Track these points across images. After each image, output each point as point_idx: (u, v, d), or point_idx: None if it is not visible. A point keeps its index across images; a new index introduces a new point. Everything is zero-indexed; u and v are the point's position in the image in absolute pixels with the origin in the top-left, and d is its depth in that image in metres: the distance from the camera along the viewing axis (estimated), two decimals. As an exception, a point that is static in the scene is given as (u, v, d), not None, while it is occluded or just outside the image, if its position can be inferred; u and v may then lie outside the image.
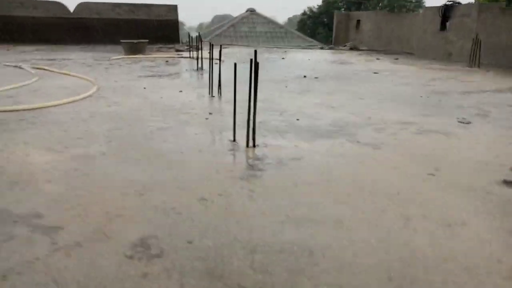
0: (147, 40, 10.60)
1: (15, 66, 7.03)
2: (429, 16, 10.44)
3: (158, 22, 14.31)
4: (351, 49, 13.57)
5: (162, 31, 14.53)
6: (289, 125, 3.33)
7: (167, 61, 8.69)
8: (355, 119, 3.58)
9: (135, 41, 10.14)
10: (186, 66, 7.93)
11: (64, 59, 8.63)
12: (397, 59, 10.17)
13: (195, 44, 13.57)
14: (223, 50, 12.58)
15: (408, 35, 11.79)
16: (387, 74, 7.05)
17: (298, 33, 16.98)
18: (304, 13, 50.76)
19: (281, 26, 16.40)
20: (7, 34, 13.12)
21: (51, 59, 8.46)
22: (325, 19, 46.08)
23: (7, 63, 7.33)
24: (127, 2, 13.99)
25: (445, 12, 9.62)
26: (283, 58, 9.90)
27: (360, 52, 12.54)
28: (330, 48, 13.91)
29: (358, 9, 41.40)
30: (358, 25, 14.62)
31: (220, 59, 4.37)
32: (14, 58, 8.41)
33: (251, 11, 16.89)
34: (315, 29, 47.12)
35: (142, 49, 10.32)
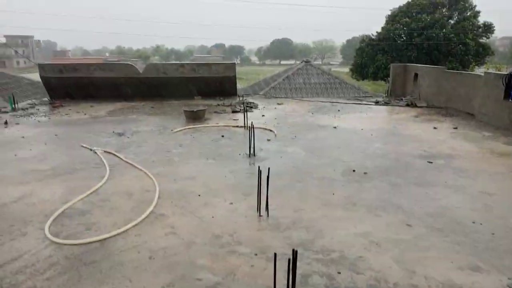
0: (206, 108, 11.30)
1: (90, 150, 7.94)
2: (491, 82, 9.96)
3: (217, 79, 15.19)
4: (408, 105, 13.27)
5: (220, 86, 15.41)
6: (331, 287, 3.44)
7: (222, 136, 9.18)
8: (399, 273, 3.59)
9: (195, 109, 10.89)
10: (240, 145, 8.30)
11: (133, 132, 9.51)
12: (456, 128, 9.77)
13: (250, 99, 14.11)
14: (277, 108, 12.92)
15: (469, 95, 11.29)
16: (442, 165, 6.84)
17: (352, 83, 16.95)
18: (362, 41, 50.29)
19: (335, 77, 16.50)
20: (88, 92, 14.84)
21: (119, 133, 9.36)
22: (385, 47, 45.38)
23: (83, 145, 8.27)
24: (190, 62, 15.09)
25: (509, 82, 9.13)
26: (334, 128, 9.97)
27: (417, 111, 12.19)
28: (386, 104, 13.68)
29: (420, 35, 40.22)
30: (416, 78, 14.29)
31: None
32: (88, 129, 9.46)
33: (306, 62, 17.24)
34: (374, 55, 46.47)
35: (202, 115, 11.03)
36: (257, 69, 79.98)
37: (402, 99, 14.11)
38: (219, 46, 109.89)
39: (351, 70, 50.61)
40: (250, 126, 7.68)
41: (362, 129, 9.80)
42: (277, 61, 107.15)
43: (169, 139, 8.94)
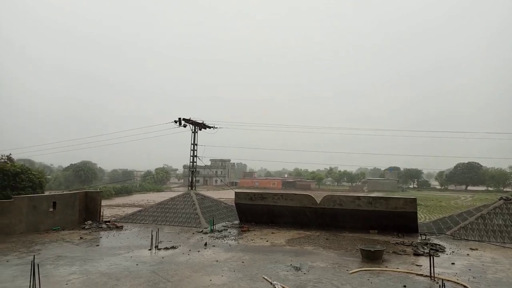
0: (384, 248, 10.73)
1: (271, 283, 8.39)
2: None
3: (395, 213, 14.51)
4: None
5: (399, 221, 14.60)
6: None
7: (404, 286, 8.30)
8: None
9: (372, 249, 10.45)
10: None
11: (309, 267, 9.66)
12: None
13: (434, 238, 12.66)
14: (470, 255, 11.04)
15: None
16: None
17: None
18: None
19: (551, 220, 13.36)
20: (271, 218, 16.36)
21: (298, 268, 9.63)
22: None
23: (265, 277, 8.83)
24: (366, 195, 15.15)
25: None
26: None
27: None
28: None
29: None
30: None
31: None
32: (269, 258, 10.10)
33: (506, 199, 14.82)
34: None
35: (379, 256, 10.45)
36: (437, 194, 72.40)
37: None
38: (394, 169, 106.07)
39: None
40: (440, 280, 6.78)
41: None
42: (462, 187, 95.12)
43: (345, 281, 8.66)
